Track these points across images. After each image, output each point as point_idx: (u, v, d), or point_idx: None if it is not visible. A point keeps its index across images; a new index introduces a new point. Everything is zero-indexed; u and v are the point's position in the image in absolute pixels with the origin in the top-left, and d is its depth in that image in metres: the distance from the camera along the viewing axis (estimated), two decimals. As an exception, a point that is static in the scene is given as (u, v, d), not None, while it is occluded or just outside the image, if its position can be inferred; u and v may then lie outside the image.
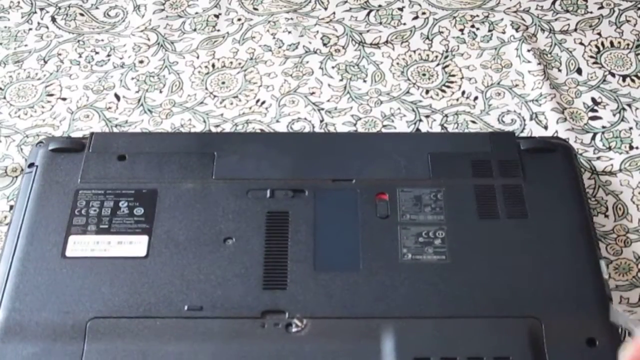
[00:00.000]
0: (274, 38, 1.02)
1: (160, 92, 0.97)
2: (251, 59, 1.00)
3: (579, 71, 0.97)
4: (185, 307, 0.69)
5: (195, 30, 1.03)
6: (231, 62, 1.00)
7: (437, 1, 1.06)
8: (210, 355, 0.66)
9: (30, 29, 1.04)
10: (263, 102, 0.95)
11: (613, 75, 0.97)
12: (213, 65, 0.99)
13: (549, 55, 0.99)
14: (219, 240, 0.74)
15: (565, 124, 0.91)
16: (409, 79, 0.97)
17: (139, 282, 0.70)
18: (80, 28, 1.04)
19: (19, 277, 0.70)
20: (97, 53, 1.01)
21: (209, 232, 0.74)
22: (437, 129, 0.92)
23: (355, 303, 0.69)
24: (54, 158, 0.80)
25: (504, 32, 1.02)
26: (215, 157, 0.80)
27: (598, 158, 0.89)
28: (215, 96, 0.96)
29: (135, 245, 0.72)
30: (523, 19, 1.03)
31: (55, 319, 0.67)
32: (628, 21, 1.03)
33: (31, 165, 0.80)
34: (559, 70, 0.98)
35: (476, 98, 0.95)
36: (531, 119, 0.92)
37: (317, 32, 1.02)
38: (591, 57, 0.99)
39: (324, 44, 1.01)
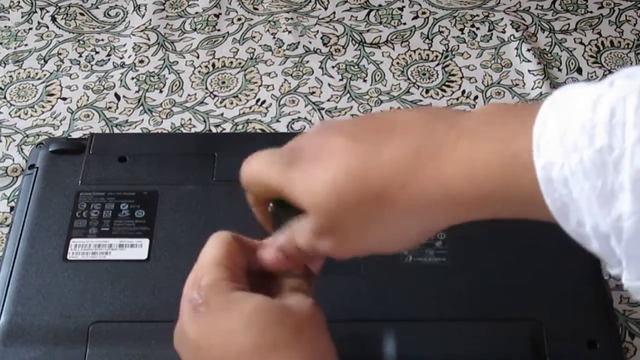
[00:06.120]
0: (274, 38, 1.02)
1: (161, 91, 0.97)
2: (251, 58, 1.00)
3: (579, 71, 0.98)
4: (187, 310, 0.68)
5: (195, 30, 1.03)
6: (231, 62, 1.00)
7: (437, 1, 1.06)
8: (211, 358, 0.66)
9: (31, 29, 1.04)
10: (263, 102, 0.95)
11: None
12: (213, 65, 0.99)
13: (549, 55, 0.99)
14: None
15: (566, 124, 0.91)
16: (409, 79, 0.97)
17: (140, 286, 0.69)
18: (80, 28, 1.04)
19: (20, 281, 0.70)
20: (97, 53, 1.01)
21: (210, 235, 0.74)
22: (437, 129, 0.92)
23: (356, 306, 0.69)
24: (54, 159, 0.80)
25: (504, 32, 1.02)
26: (215, 158, 0.80)
27: (598, 158, 0.89)
28: (215, 96, 0.96)
29: (137, 249, 0.72)
30: (523, 19, 1.03)
31: (57, 323, 0.67)
32: (628, 21, 1.03)
33: (32, 166, 0.80)
34: (559, 70, 0.98)
35: (476, 97, 0.95)
36: (531, 118, 0.92)
37: (317, 32, 1.02)
38: (591, 56, 0.99)
39: (324, 44, 1.01)
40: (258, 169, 0.54)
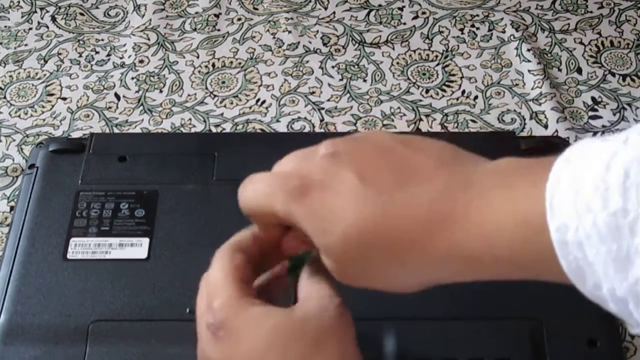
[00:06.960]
0: (274, 38, 1.02)
1: (161, 91, 0.97)
2: (251, 58, 1.00)
3: (579, 70, 0.98)
4: (187, 310, 0.68)
5: (195, 30, 1.03)
6: (231, 62, 1.00)
7: (437, 1, 1.06)
8: (211, 357, 0.66)
9: (31, 29, 1.04)
10: (263, 102, 0.95)
11: (613, 74, 0.97)
12: (213, 65, 0.99)
13: (549, 55, 0.99)
14: (221, 242, 0.73)
15: (565, 123, 0.91)
16: (409, 79, 0.97)
17: (140, 285, 0.70)
18: (80, 28, 1.04)
19: (20, 280, 0.70)
20: (97, 53, 1.01)
21: (210, 234, 0.74)
22: (437, 128, 0.92)
23: (356, 305, 0.69)
24: (54, 159, 0.80)
25: (503, 32, 1.02)
26: (215, 157, 0.80)
27: (598, 158, 0.89)
28: (215, 96, 0.96)
29: (136, 248, 0.72)
30: (523, 19, 1.03)
31: (57, 321, 0.67)
32: (628, 21, 1.03)
33: (32, 166, 0.80)
34: (559, 70, 0.98)
35: (476, 97, 0.95)
36: (531, 118, 0.92)
37: (317, 31, 1.02)
38: (591, 56, 0.99)
39: (324, 44, 1.01)
40: (257, 198, 0.53)
